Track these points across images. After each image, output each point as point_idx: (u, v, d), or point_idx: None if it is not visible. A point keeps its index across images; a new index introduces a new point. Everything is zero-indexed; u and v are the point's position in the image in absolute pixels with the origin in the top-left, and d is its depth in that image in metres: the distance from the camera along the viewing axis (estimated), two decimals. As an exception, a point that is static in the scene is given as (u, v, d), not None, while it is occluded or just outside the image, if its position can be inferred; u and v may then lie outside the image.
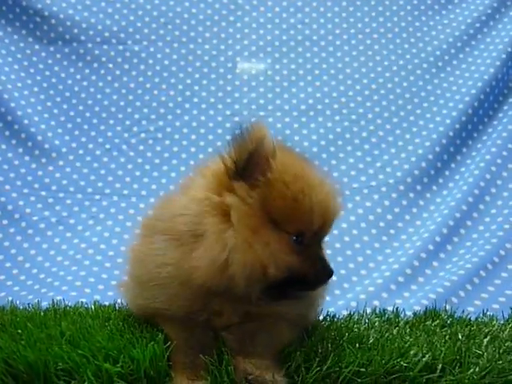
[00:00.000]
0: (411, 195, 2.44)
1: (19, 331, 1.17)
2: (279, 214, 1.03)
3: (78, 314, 1.45)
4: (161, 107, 2.78)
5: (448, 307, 1.70)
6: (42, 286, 2.16)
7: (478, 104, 2.65)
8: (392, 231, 2.35)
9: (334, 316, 1.59)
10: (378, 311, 1.67)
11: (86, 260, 2.29)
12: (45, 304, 1.78)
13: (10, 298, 2.00)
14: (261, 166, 1.03)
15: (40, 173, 2.58)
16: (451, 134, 2.57)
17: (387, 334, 1.27)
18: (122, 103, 2.79)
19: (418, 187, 2.46)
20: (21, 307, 1.69)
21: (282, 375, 0.95)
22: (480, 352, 1.09)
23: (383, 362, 1.01)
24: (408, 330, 1.35)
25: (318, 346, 1.10)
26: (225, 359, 0.98)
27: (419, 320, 1.51)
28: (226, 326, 1.08)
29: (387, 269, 2.18)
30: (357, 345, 1.14)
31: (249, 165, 1.03)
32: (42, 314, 1.46)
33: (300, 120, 2.73)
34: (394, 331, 1.33)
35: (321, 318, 1.57)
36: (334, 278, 1.09)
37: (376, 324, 1.45)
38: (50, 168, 2.60)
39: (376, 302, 2.01)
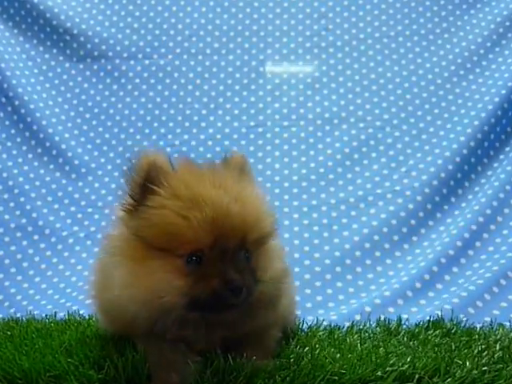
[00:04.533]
0: (437, 199, 2.38)
1: (26, 342, 1.24)
2: (161, 240, 1.01)
3: (87, 325, 1.52)
4: (186, 121, 2.81)
5: (460, 316, 1.67)
6: (69, 300, 2.23)
7: (508, 105, 2.56)
8: (415, 238, 2.30)
9: (335, 326, 1.60)
10: (382, 321, 1.65)
11: None
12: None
13: (31, 307, 2.12)
14: (146, 196, 1.04)
15: (70, 188, 2.66)
16: (479, 136, 2.49)
17: (373, 344, 1.27)
18: (148, 118, 2.84)
19: (444, 190, 2.40)
20: (39, 319, 1.77)
21: None
22: (461, 362, 1.07)
23: (359, 371, 1.02)
24: (405, 340, 1.34)
25: (297, 355, 1.13)
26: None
27: (421, 330, 1.49)
28: (210, 350, 1.09)
29: (406, 274, 2.14)
30: (338, 355, 1.15)
31: (141, 197, 1.05)
32: (53, 324, 1.53)
33: (324, 128, 2.71)
34: (392, 341, 1.32)
35: (321, 327, 1.59)
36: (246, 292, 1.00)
37: (376, 334, 1.45)
38: (80, 183, 2.68)
39: (391, 309, 1.99)
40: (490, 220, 2.26)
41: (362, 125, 2.68)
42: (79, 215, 2.60)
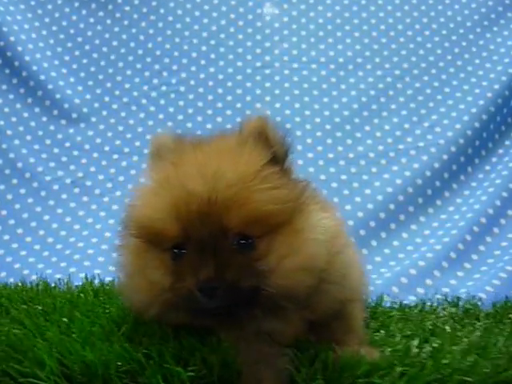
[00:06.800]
0: (462, 159, 2.21)
1: (64, 319, 0.99)
2: (140, 233, 0.86)
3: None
4: (183, 57, 2.50)
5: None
6: (61, 258, 1.95)
7: None
8: (439, 202, 2.14)
9: (402, 304, 1.44)
10: (449, 299, 1.49)
11: (107, 231, 2.06)
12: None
13: (26, 272, 1.85)
14: None
15: (52, 127, 2.33)
16: (507, 93, 2.32)
17: (468, 330, 1.12)
18: (140, 51, 2.51)
19: (470, 150, 2.23)
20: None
21: None
22: None
23: (489, 368, 0.85)
24: (499, 326, 1.17)
25: (409, 346, 0.94)
26: None
27: (501, 312, 1.33)
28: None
29: (437, 242, 1.97)
30: (445, 345, 0.96)
31: None
32: (83, 295, 1.27)
33: (338, 74, 2.47)
34: (486, 327, 1.16)
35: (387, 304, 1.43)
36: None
37: (453, 315, 1.29)
38: (63, 122, 2.35)
39: (428, 281, 1.84)
40: None
41: (379, 73, 2.46)
42: (64, 158, 2.28)
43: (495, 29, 2.53)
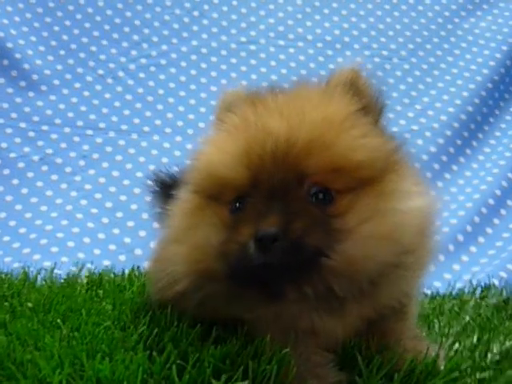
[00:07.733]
0: (459, 142, 2.16)
1: (58, 321, 0.83)
2: (204, 185, 0.77)
3: (119, 291, 1.12)
4: (164, 28, 2.35)
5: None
6: (24, 244, 1.78)
7: None
8: (440, 184, 2.08)
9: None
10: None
11: (78, 213, 1.90)
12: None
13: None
14: None
15: (18, 100, 2.13)
16: (496, 77, 2.29)
17: None
18: (117, 20, 2.34)
19: (466, 134, 2.18)
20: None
21: None
22: None
23: None
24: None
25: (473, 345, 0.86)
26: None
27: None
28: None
29: (444, 225, 1.92)
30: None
31: None
32: (78, 288, 1.12)
33: (325, 52, 2.38)
34: None
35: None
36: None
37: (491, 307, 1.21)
38: (31, 94, 2.15)
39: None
40: None
41: (367, 53, 2.38)
42: (31, 133, 2.10)
43: (479, 13, 2.50)
